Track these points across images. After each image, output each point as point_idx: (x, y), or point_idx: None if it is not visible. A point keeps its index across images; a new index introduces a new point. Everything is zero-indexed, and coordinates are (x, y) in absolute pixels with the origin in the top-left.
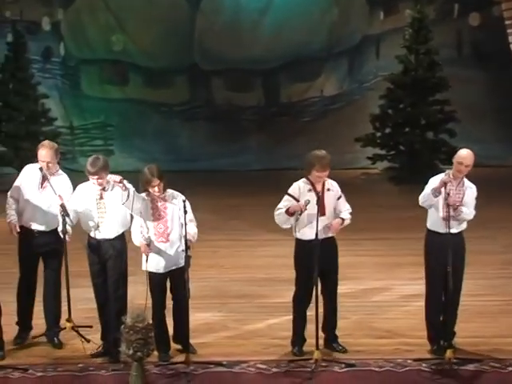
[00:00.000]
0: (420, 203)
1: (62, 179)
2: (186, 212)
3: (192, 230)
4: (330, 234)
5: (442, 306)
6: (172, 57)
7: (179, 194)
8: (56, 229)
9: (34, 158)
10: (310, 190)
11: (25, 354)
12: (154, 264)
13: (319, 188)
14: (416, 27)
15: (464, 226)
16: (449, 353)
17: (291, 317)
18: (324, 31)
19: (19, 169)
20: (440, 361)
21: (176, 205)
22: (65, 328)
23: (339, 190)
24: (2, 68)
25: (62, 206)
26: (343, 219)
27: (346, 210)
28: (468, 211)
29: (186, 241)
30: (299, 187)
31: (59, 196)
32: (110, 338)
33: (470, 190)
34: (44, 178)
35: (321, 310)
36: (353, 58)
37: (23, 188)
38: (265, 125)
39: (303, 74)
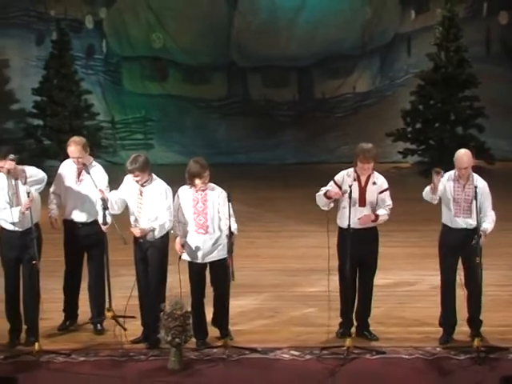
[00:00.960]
0: (423, 197)
1: (96, 170)
2: (229, 201)
3: (233, 225)
4: (359, 226)
5: (466, 298)
6: (210, 54)
7: (218, 187)
8: (95, 220)
9: None
10: (354, 180)
11: (68, 340)
12: (192, 254)
13: (364, 180)
14: (446, 25)
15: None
16: (476, 341)
17: (324, 305)
18: (357, 29)
19: (63, 162)
20: (468, 349)
21: (216, 197)
22: (105, 318)
23: (385, 185)
24: (47, 65)
25: (103, 200)
26: (377, 215)
27: (385, 206)
28: (488, 221)
29: (230, 227)
30: (344, 176)
31: (100, 190)
32: (150, 324)
33: (482, 189)
34: (80, 172)
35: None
36: (385, 55)
37: (62, 183)
38: (299, 120)
39: (337, 71)
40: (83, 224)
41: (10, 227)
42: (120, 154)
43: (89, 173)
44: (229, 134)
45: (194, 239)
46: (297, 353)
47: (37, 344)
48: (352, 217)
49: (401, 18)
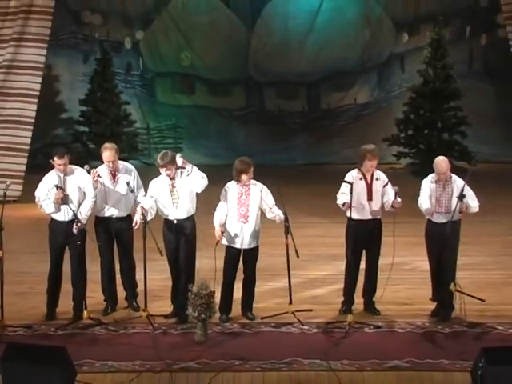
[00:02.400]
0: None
1: (128, 170)
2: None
3: (279, 211)
4: (366, 217)
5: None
6: (231, 70)
7: (259, 183)
8: (128, 215)
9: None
10: (360, 179)
11: (109, 316)
12: (231, 239)
13: (369, 177)
14: (434, 46)
15: (457, 217)
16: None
17: (329, 287)
18: (358, 49)
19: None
20: (453, 323)
21: (258, 192)
22: (138, 294)
23: (386, 179)
24: (92, 80)
25: (143, 215)
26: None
27: (392, 195)
28: (473, 205)
29: (285, 212)
30: (352, 175)
31: (141, 207)
32: (180, 302)
33: (460, 188)
34: (114, 173)
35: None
36: (381, 71)
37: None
38: (308, 127)
39: (340, 85)
40: (117, 218)
41: (58, 217)
42: (154, 157)
43: (132, 192)
44: (247, 139)
45: (235, 227)
46: (305, 327)
47: (85, 312)
48: (362, 210)
49: (395, 40)
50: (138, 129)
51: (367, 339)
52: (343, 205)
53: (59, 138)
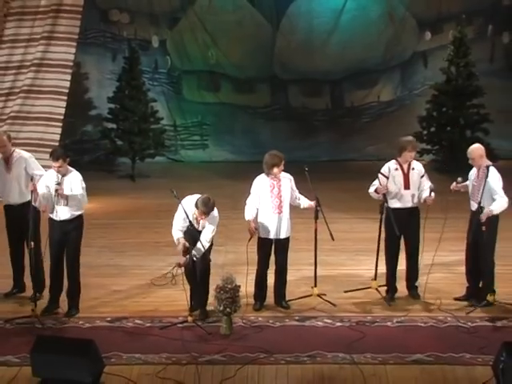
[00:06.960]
0: None
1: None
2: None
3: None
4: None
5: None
6: (256, 68)
7: (287, 174)
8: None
9: (144, 151)
10: (396, 169)
11: (136, 309)
12: (267, 231)
13: (406, 167)
14: (457, 44)
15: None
16: (490, 296)
17: (351, 281)
18: (381, 48)
19: (132, 159)
20: (475, 318)
21: (288, 182)
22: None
23: (423, 170)
24: (120, 77)
25: None
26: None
27: (427, 188)
28: (494, 203)
29: (316, 197)
30: (389, 167)
31: None
32: (198, 301)
33: (490, 176)
34: (6, 160)
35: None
36: (404, 70)
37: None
38: (332, 124)
39: (363, 83)
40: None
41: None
42: (180, 153)
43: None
44: (272, 136)
45: (270, 219)
46: (329, 321)
47: None
48: (400, 198)
49: (418, 39)
50: (165, 126)
51: (390, 333)
52: (375, 191)
53: (88, 135)
